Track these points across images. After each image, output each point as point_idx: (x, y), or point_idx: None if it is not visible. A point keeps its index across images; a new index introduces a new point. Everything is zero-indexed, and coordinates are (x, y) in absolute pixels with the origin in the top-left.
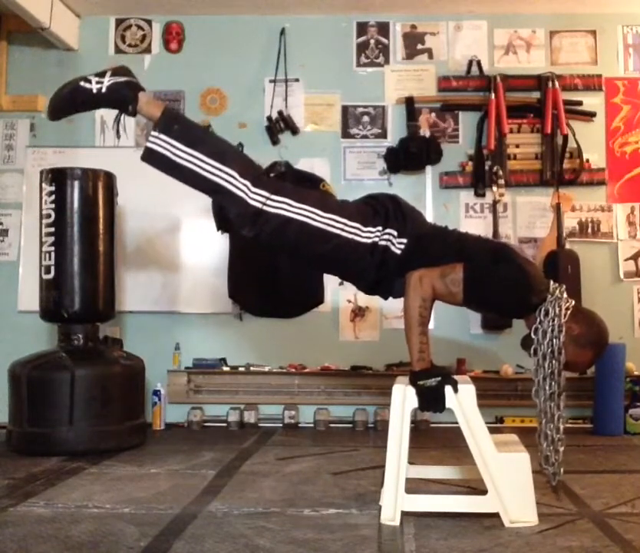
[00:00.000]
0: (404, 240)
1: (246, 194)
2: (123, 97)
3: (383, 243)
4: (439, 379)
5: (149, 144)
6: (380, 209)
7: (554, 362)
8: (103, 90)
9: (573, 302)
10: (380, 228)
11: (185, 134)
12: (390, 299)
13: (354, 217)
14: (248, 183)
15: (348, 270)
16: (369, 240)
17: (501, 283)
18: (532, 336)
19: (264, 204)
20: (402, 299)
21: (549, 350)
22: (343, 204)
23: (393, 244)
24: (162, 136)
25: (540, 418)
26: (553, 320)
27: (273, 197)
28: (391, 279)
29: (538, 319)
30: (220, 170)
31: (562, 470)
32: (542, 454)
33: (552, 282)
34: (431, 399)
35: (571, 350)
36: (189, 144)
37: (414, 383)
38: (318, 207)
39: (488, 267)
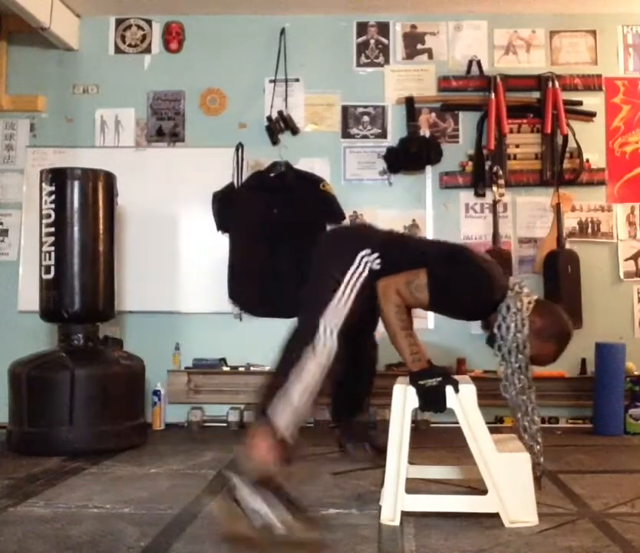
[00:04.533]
0: (377, 254)
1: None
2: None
3: (368, 266)
4: (440, 378)
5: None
6: (348, 245)
7: (520, 356)
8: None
9: (535, 297)
10: (360, 256)
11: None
12: None
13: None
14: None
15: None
16: (365, 272)
17: (464, 285)
18: (495, 331)
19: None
20: None
21: (514, 345)
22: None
23: (372, 263)
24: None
25: (515, 413)
26: (516, 315)
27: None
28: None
29: (500, 316)
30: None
31: (542, 458)
32: (525, 446)
33: (511, 277)
34: (432, 399)
35: (534, 343)
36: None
37: (415, 383)
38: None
39: (449, 270)
